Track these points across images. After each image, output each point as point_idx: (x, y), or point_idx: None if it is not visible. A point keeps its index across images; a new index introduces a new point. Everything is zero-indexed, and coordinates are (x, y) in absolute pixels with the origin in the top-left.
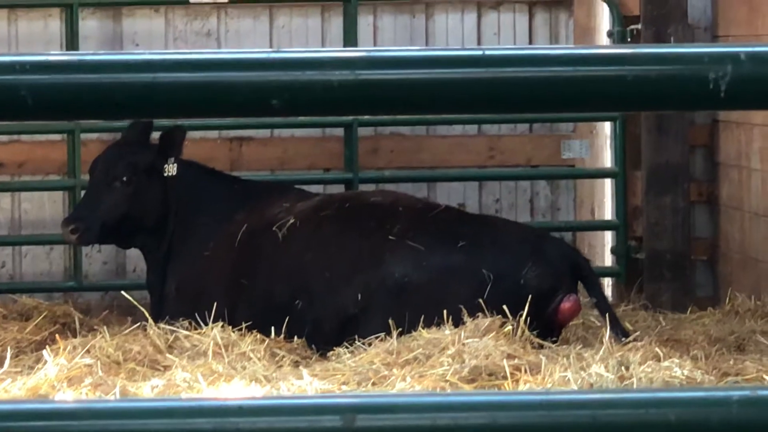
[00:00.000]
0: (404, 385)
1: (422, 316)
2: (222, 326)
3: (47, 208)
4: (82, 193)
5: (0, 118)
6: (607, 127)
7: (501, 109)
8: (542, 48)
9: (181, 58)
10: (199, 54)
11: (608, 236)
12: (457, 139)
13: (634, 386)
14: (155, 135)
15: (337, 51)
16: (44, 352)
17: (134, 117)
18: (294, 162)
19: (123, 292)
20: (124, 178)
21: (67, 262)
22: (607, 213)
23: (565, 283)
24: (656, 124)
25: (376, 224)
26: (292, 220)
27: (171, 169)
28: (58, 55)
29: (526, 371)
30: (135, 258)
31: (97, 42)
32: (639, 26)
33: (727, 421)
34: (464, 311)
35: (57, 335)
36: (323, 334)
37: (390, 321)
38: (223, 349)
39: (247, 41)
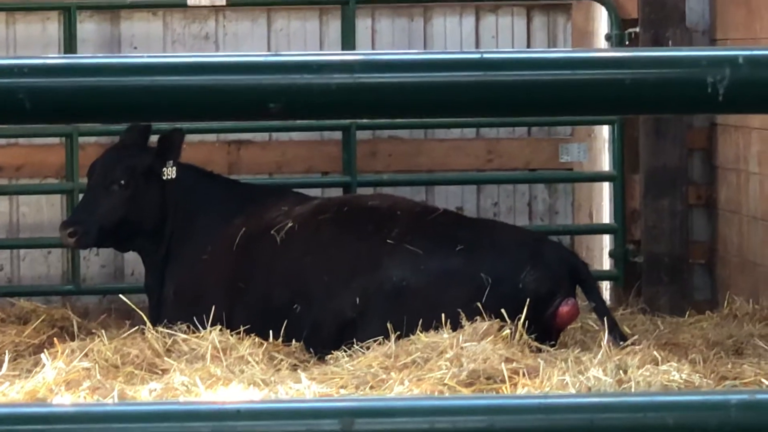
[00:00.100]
0: (402, 389)
1: (420, 320)
2: (220, 330)
3: (45, 211)
4: (80, 196)
5: None
6: (605, 130)
7: (499, 112)
8: (540, 51)
9: (179, 62)
10: (197, 57)
11: (606, 240)
12: (455, 143)
13: (632, 390)
14: (153, 138)
15: (335, 54)
16: (42, 355)
17: (132, 120)
18: (292, 165)
19: (121, 296)
20: (122, 182)
21: (65, 266)
22: (605, 216)
23: (564, 287)
24: (654, 127)
25: (374, 228)
26: (290, 224)
27: (170, 172)
28: (56, 58)
29: (524, 375)
30: (133, 261)
31: (95, 45)
32: (637, 29)
33: (725, 424)
34: (462, 315)
35: (55, 339)
36: (321, 337)
37: (388, 325)
38: (221, 353)
39: (245, 44)
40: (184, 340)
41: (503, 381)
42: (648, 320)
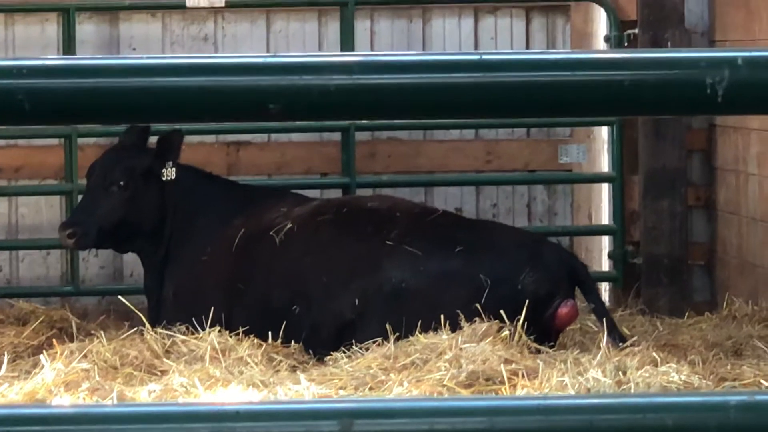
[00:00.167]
0: (401, 390)
1: (419, 321)
2: (219, 331)
3: (44, 212)
4: (79, 197)
5: None
6: (604, 131)
7: (498, 113)
8: (539, 53)
9: (178, 63)
10: (196, 58)
11: (605, 241)
12: (454, 144)
13: (632, 391)
14: (153, 139)
15: (334, 55)
16: (41, 356)
17: (131, 121)
18: (291, 166)
19: (120, 297)
20: (122, 183)
21: (64, 267)
22: (605, 218)
23: (563, 288)
24: (653, 128)
25: (373, 229)
26: (289, 225)
27: (170, 173)
28: (55, 59)
29: (523, 376)
30: (132, 263)
31: (94, 46)
32: (636, 31)
33: (724, 426)
34: (461, 316)
35: (54, 340)
36: (320, 338)
37: (387, 326)
38: (220, 354)
39: (244, 46)
40: (183, 342)
41: (502, 382)
42: (647, 321)
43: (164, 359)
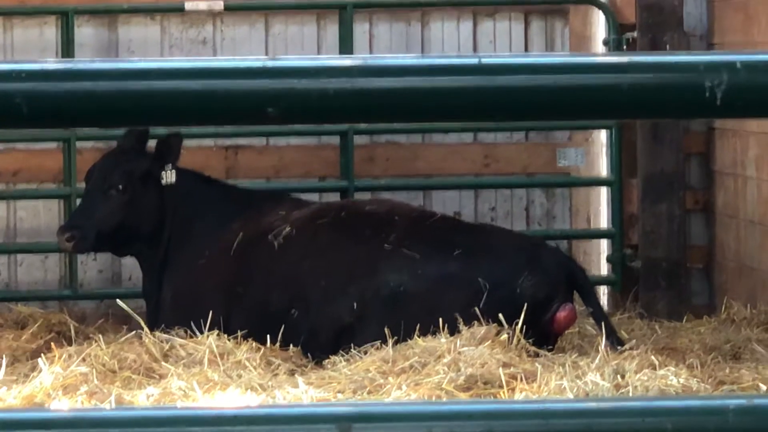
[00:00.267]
0: (400, 394)
1: (418, 325)
2: (218, 334)
3: (42, 216)
4: (78, 201)
5: None
6: (602, 135)
7: (497, 117)
8: (538, 56)
9: (177, 66)
10: (195, 62)
11: (604, 244)
12: (452, 148)
13: (630, 395)
14: (151, 143)
15: (332, 59)
16: (40, 360)
17: (130, 125)
18: (289, 170)
19: (118, 301)
20: (120, 186)
21: (63, 271)
22: (603, 221)
23: (561, 292)
24: (652, 132)
25: (371, 233)
26: (287, 229)
27: (169, 176)
28: (53, 62)
29: (521, 380)
30: (131, 266)
31: (93, 50)
32: (635, 34)
33: (723, 429)
34: (460, 320)
35: (52, 343)
36: (319, 342)
37: (386, 329)
38: (218, 358)
39: (242, 49)
40: (181, 345)
41: (501, 386)
42: (645, 325)
43: (162, 363)
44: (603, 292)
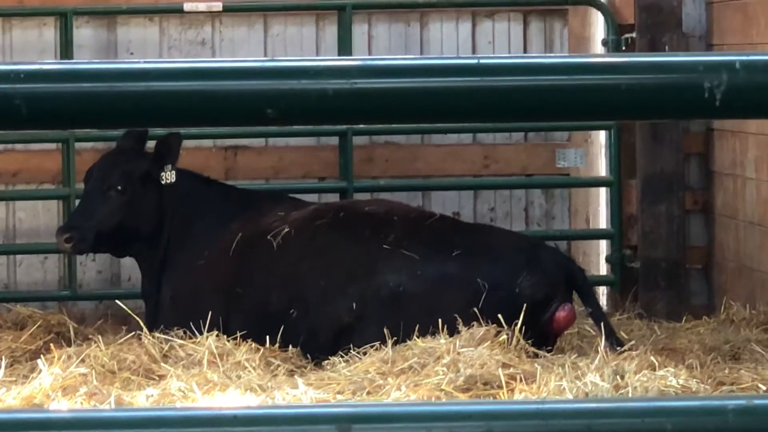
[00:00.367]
0: (399, 395)
1: (417, 325)
2: (217, 335)
3: (42, 217)
4: (77, 202)
5: None
6: (601, 135)
7: (496, 117)
8: (537, 57)
9: (176, 67)
10: (194, 63)
11: (603, 245)
12: (451, 148)
13: (630, 395)
14: (150, 144)
15: (332, 60)
16: (39, 361)
17: (129, 126)
18: (289, 171)
19: (118, 301)
20: (119, 187)
21: (62, 271)
22: (602, 222)
23: (560, 292)
24: (651, 132)
25: (370, 233)
26: (286, 229)
27: (169, 176)
28: (52, 63)
29: (521, 380)
30: (130, 267)
31: (92, 51)
32: (634, 35)
33: (722, 430)
34: (459, 320)
35: (52, 344)
36: (318, 343)
37: (385, 330)
38: (218, 358)
39: (241, 50)
40: (180, 346)
41: (500, 386)
42: (645, 325)
43: (162, 364)
44: (602, 293)
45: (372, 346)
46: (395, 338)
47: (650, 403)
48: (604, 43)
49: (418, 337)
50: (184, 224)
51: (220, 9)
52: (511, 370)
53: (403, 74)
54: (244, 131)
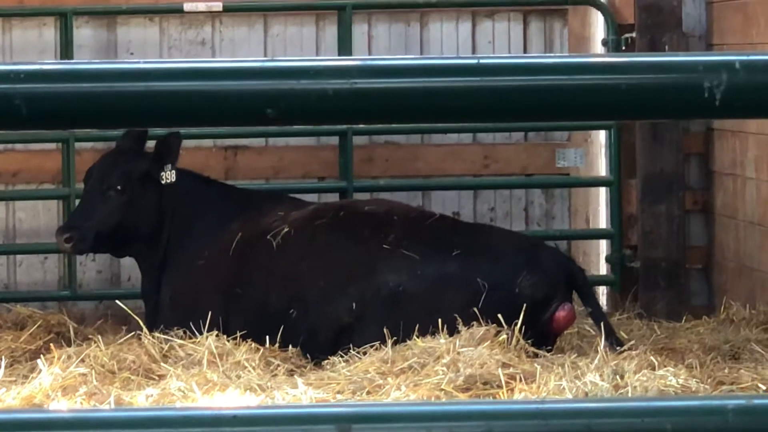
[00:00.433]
0: (399, 394)
1: (417, 325)
2: (217, 335)
3: (42, 217)
4: (77, 202)
5: None
6: (601, 135)
7: (496, 117)
8: (537, 56)
9: (176, 67)
10: (194, 63)
11: (603, 245)
12: (451, 148)
13: (629, 395)
14: (150, 144)
15: (332, 60)
16: (39, 361)
17: (129, 126)
18: (289, 171)
19: (117, 301)
20: (119, 187)
21: (62, 271)
22: (602, 221)
23: (560, 292)
24: (651, 132)
25: (370, 233)
26: (286, 229)
27: (169, 176)
28: (52, 64)
29: (521, 380)
30: (130, 267)
31: (92, 51)
32: (634, 35)
33: (722, 429)
34: (459, 320)
35: (51, 344)
36: (318, 343)
37: (385, 330)
38: (217, 358)
39: (241, 50)
40: (180, 346)
41: (500, 386)
42: (645, 325)
43: (162, 363)
44: (602, 293)
45: (372, 346)
46: (395, 338)
47: (650, 403)
48: (604, 43)
49: (417, 337)
50: (184, 224)
51: (220, 9)
52: (511, 369)
53: (403, 74)
54: (244, 131)
